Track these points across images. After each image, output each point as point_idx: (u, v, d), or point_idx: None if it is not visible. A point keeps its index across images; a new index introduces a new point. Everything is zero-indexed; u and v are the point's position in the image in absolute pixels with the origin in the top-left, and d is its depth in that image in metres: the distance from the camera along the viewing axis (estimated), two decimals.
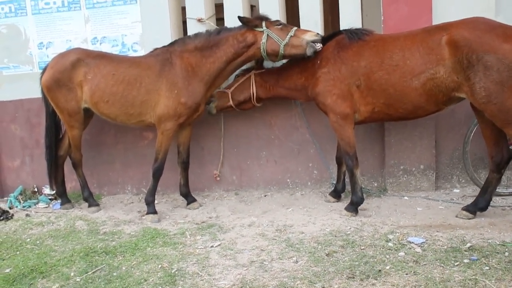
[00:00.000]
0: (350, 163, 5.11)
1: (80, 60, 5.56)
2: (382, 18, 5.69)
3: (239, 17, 5.38)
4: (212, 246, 4.55)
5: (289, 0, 6.35)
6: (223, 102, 5.77)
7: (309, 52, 5.10)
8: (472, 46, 4.35)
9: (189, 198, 5.90)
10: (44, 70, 5.77)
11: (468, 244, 4.14)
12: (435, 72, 4.58)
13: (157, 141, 5.48)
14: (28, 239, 5.15)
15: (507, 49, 4.25)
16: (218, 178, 6.39)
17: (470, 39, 4.38)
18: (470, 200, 5.14)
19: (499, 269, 3.70)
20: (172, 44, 5.61)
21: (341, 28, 5.61)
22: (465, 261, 3.86)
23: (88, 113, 5.80)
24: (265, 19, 5.35)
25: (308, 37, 5.12)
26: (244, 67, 5.74)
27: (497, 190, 5.04)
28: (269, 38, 5.22)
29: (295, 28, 5.26)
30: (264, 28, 5.26)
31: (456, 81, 4.51)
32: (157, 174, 5.52)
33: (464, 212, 4.87)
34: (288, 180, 6.28)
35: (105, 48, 6.39)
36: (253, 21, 5.35)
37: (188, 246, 4.62)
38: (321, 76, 5.13)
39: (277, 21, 5.37)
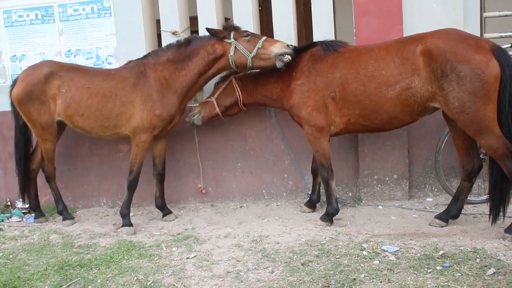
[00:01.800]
0: (325, 174, 5.14)
1: (53, 73, 5.52)
2: (354, 31, 5.79)
3: (207, 29, 5.36)
4: (188, 258, 4.54)
5: (263, 12, 6.41)
6: (209, 111, 5.66)
7: (278, 65, 5.09)
8: (446, 56, 4.43)
9: (164, 210, 5.87)
10: (14, 83, 5.70)
11: (441, 252, 4.22)
12: (410, 82, 4.64)
13: (132, 154, 5.47)
14: (1, 254, 5.07)
15: (479, 60, 4.35)
16: (204, 191, 6.38)
17: (444, 49, 4.47)
18: (442, 209, 5.22)
19: (471, 276, 3.79)
20: (145, 56, 5.62)
21: (315, 40, 5.70)
22: (438, 268, 3.94)
23: (60, 126, 5.76)
24: (234, 29, 5.33)
25: (277, 49, 5.09)
26: (222, 74, 5.73)
27: (468, 198, 5.12)
28: (236, 50, 5.21)
29: (264, 38, 5.23)
30: (232, 40, 5.26)
31: (430, 91, 4.58)
32: (132, 186, 5.49)
33: (437, 220, 4.96)
34: (263, 191, 6.31)
35: (80, 60, 6.37)
36: (221, 32, 5.34)
37: (164, 258, 4.61)
38: (295, 88, 5.17)
39: (246, 31, 5.34)
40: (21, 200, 6.34)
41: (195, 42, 5.43)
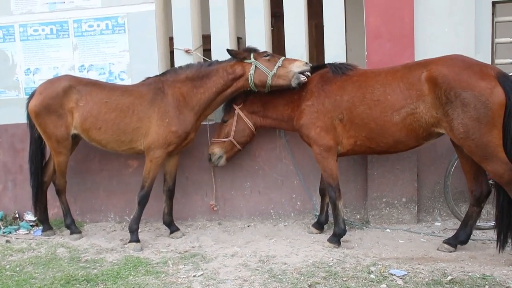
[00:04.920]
0: (332, 194, 5.16)
1: (72, 87, 5.59)
2: (366, 53, 5.82)
3: (228, 50, 5.47)
4: (194, 276, 4.53)
5: (275, 32, 6.46)
6: (232, 152, 5.79)
7: (294, 83, 5.19)
8: (451, 83, 4.48)
9: (172, 227, 5.87)
10: (32, 96, 5.75)
11: (449, 277, 4.19)
12: (415, 107, 4.71)
13: (145, 169, 5.50)
14: (8, 266, 5.08)
15: (483, 87, 4.38)
16: (216, 208, 6.38)
17: (448, 76, 4.52)
18: (451, 233, 5.20)
19: None
20: (164, 73, 5.71)
21: (326, 61, 5.74)
22: None
23: (75, 139, 5.81)
24: (253, 50, 5.45)
25: (296, 67, 5.21)
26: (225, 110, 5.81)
27: (477, 223, 5.10)
28: (257, 69, 5.31)
29: (283, 58, 5.36)
30: (252, 59, 5.36)
31: (435, 117, 4.64)
32: (143, 201, 5.51)
33: (445, 245, 4.94)
34: (271, 211, 6.30)
35: (92, 76, 6.41)
36: (241, 53, 5.45)
37: (171, 275, 4.60)
38: (305, 109, 5.23)
39: (265, 52, 5.47)
40: (30, 212, 6.37)
41: (216, 63, 5.55)
